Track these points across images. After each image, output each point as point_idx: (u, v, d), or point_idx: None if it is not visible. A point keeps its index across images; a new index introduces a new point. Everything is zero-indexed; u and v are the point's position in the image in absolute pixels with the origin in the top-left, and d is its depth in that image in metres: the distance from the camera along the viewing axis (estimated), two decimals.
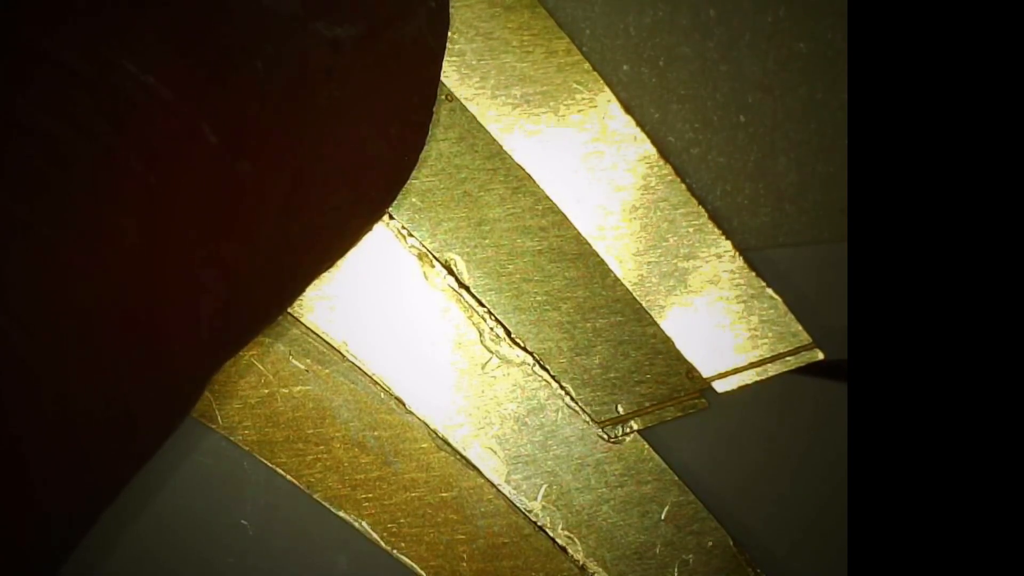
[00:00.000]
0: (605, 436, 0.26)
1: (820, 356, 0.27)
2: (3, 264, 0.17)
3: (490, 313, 0.26)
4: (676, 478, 0.27)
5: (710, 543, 0.27)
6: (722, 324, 0.26)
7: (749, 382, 0.27)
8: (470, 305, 0.26)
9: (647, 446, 0.27)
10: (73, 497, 0.18)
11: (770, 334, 0.26)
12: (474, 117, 0.25)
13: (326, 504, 0.25)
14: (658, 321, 0.26)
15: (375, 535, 0.26)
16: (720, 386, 0.27)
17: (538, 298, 0.26)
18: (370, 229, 0.24)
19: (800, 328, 0.27)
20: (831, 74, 0.27)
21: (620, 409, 0.26)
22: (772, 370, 0.27)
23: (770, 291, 0.26)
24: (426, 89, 0.24)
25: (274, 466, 0.25)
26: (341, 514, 0.25)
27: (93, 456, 0.18)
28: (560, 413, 0.26)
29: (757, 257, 0.27)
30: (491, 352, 0.26)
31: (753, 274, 0.26)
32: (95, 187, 0.18)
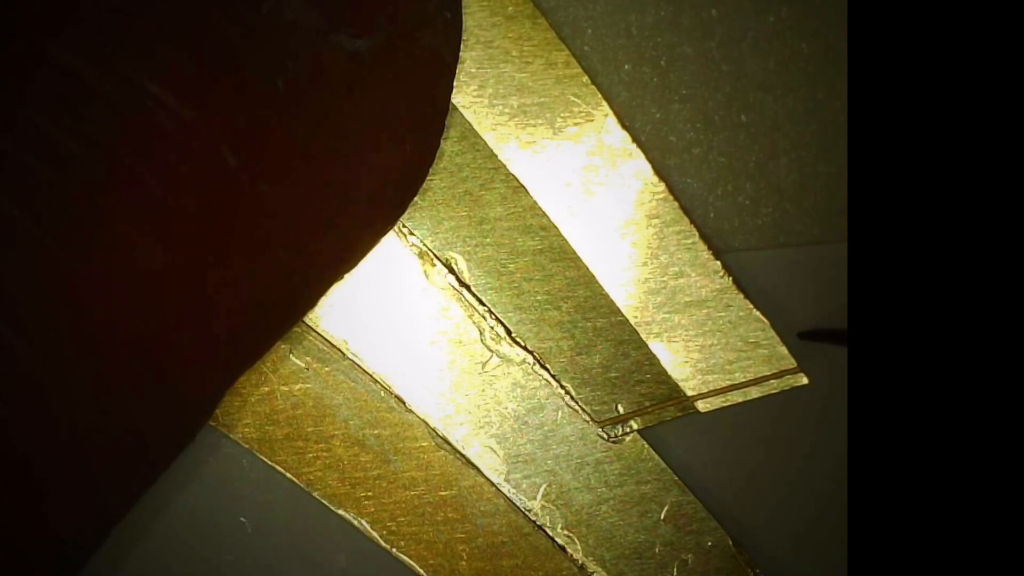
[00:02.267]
0: (605, 435, 0.26)
1: (804, 381, 0.27)
2: (15, 287, 0.17)
3: (490, 312, 0.26)
4: (675, 478, 0.27)
5: (709, 543, 0.27)
6: (708, 344, 0.26)
7: (732, 403, 0.27)
8: (470, 304, 0.26)
9: (647, 446, 0.27)
10: (84, 517, 0.18)
11: (755, 356, 0.26)
12: (471, 124, 0.25)
13: (325, 502, 0.25)
14: (645, 338, 0.26)
15: (374, 533, 0.26)
16: (703, 406, 0.27)
17: (539, 297, 0.26)
18: (381, 239, 0.24)
19: (786, 351, 0.27)
20: (832, 74, 0.27)
21: (620, 408, 0.26)
22: (755, 392, 0.27)
23: (757, 313, 0.26)
24: (439, 100, 0.24)
25: (274, 464, 0.25)
26: (341, 512, 0.25)
27: (103, 477, 0.18)
28: (560, 412, 0.26)
29: (756, 258, 0.27)
30: (491, 351, 0.26)
31: (741, 295, 0.26)
32: (108, 201, 0.18)
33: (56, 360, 0.17)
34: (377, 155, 0.22)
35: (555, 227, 0.26)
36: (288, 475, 0.25)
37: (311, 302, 0.23)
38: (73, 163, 0.17)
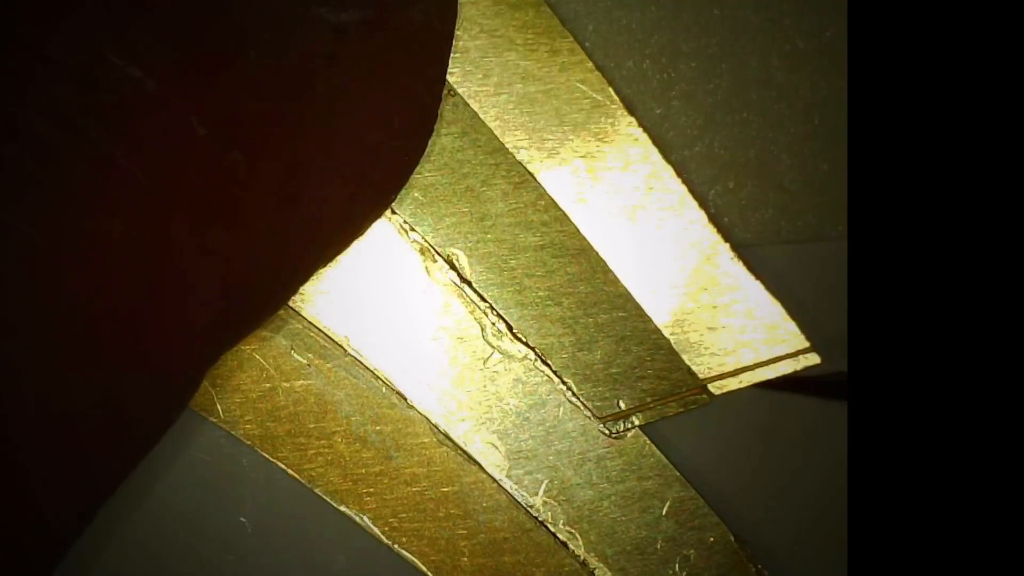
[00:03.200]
0: (606, 431, 0.26)
1: (817, 360, 0.27)
2: None
3: (492, 308, 0.26)
4: (677, 474, 0.27)
5: (711, 538, 0.27)
6: (720, 326, 0.26)
7: (745, 385, 0.27)
8: (472, 300, 0.26)
9: (648, 442, 0.27)
10: (69, 495, 0.18)
11: (768, 338, 0.26)
12: (476, 114, 0.25)
13: (327, 499, 0.25)
14: (656, 322, 0.26)
15: (376, 530, 0.26)
16: (716, 388, 0.27)
17: (540, 293, 0.26)
18: (374, 222, 0.24)
19: (798, 331, 0.26)
20: (834, 71, 0.27)
21: (622, 404, 0.26)
22: (769, 373, 0.27)
23: (768, 295, 0.26)
24: (433, 77, 0.24)
25: (275, 460, 0.25)
26: (342, 508, 0.25)
27: (86, 454, 0.18)
28: (562, 408, 0.26)
29: (758, 254, 0.27)
30: (493, 347, 0.26)
31: (752, 277, 0.26)
32: (81, 185, 0.18)
33: (29, 336, 0.17)
34: (362, 129, 0.22)
35: (556, 223, 0.26)
36: (290, 472, 0.25)
37: (298, 280, 0.23)
38: (46, 146, 0.17)
